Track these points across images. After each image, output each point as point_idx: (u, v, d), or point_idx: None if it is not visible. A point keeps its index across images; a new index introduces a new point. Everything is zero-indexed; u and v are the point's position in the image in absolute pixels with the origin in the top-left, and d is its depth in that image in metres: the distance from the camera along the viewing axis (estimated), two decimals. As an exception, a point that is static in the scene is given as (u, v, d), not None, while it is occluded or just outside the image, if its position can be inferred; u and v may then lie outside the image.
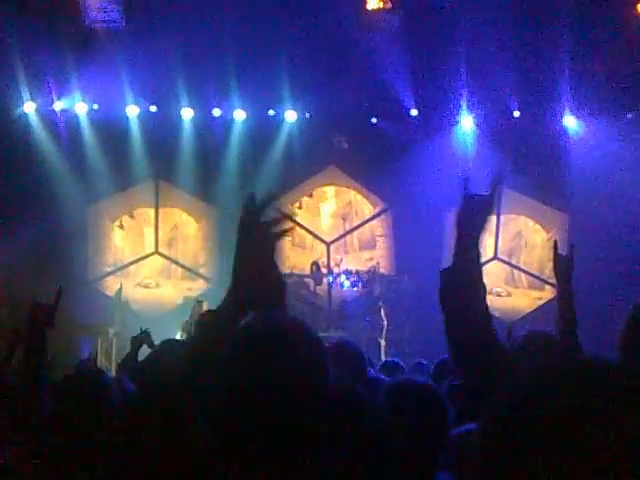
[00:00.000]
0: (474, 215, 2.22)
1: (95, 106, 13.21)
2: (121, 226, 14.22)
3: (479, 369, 2.19)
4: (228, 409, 1.77)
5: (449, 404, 2.76)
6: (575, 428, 0.90)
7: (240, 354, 1.78)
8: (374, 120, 13.59)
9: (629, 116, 13.15)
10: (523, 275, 14.24)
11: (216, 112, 13.39)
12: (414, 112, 13.33)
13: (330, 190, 14.48)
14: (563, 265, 3.48)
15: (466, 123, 13.48)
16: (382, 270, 13.98)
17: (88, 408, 2.82)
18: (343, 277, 13.70)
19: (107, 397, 2.95)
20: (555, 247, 3.56)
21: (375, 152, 13.35)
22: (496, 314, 13.84)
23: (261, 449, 1.70)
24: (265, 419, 1.71)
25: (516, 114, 13.28)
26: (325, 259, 14.18)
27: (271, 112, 13.50)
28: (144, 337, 6.24)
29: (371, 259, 14.18)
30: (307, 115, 13.56)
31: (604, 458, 0.88)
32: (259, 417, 1.72)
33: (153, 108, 13.31)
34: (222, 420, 1.77)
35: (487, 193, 2.24)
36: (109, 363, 11.25)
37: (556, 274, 3.53)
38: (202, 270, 14.25)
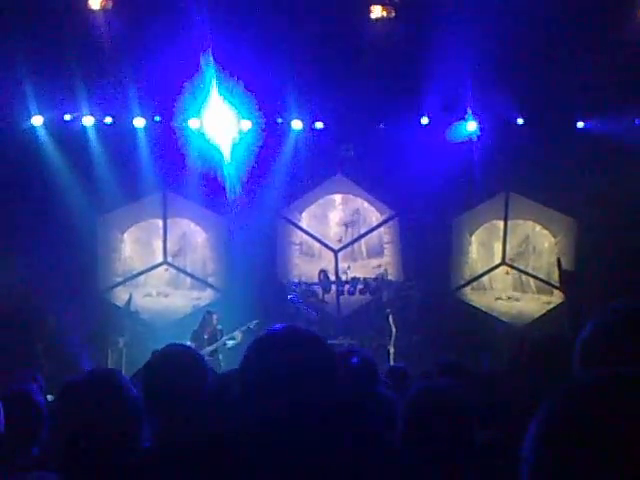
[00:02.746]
0: None
1: (108, 119, 13.23)
2: (130, 237, 14.28)
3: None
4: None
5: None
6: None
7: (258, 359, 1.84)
8: (381, 126, 13.59)
9: (637, 121, 13.17)
10: (531, 280, 14.23)
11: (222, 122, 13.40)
12: (424, 120, 13.32)
13: (337, 198, 14.52)
14: (568, 278, 3.44)
15: (473, 129, 13.48)
16: (390, 277, 14.00)
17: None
18: (351, 284, 13.74)
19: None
20: (559, 264, 3.51)
21: (382, 159, 13.37)
22: (505, 319, 13.88)
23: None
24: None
25: (520, 121, 13.31)
26: (333, 267, 14.21)
27: (279, 120, 13.51)
28: None
29: (379, 266, 14.19)
30: (315, 124, 13.55)
31: None
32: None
33: (157, 118, 13.35)
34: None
35: None
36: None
37: (562, 288, 3.48)
38: (210, 279, 14.29)
